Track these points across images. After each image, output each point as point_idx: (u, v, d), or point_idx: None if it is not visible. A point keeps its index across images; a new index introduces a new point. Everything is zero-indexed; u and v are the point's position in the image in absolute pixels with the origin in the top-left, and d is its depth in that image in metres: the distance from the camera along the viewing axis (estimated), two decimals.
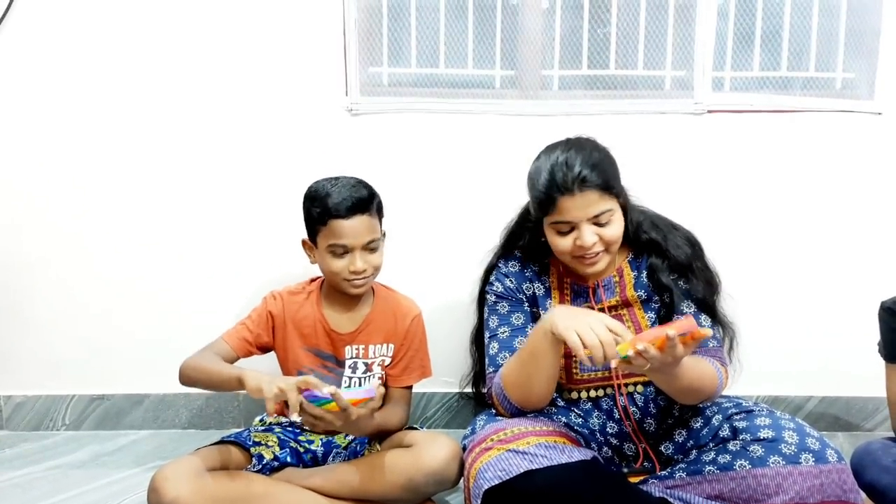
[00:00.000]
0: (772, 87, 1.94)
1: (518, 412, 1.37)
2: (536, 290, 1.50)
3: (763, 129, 1.91)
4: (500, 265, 1.53)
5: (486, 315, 1.52)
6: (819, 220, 1.93)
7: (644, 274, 1.47)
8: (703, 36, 1.89)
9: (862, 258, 1.93)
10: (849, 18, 1.92)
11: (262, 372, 1.32)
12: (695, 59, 1.90)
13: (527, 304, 1.49)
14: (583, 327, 1.17)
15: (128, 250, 1.92)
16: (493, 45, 1.93)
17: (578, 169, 1.30)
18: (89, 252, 1.92)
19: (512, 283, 1.50)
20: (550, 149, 1.38)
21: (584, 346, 1.16)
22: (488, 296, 1.52)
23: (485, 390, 1.50)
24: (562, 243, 1.35)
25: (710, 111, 1.91)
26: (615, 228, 1.35)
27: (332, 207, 1.42)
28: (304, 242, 1.53)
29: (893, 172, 1.91)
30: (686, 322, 1.14)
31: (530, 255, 1.52)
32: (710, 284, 1.48)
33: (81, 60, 1.86)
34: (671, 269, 1.45)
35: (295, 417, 1.25)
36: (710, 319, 1.45)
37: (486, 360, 1.48)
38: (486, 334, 1.50)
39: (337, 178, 1.49)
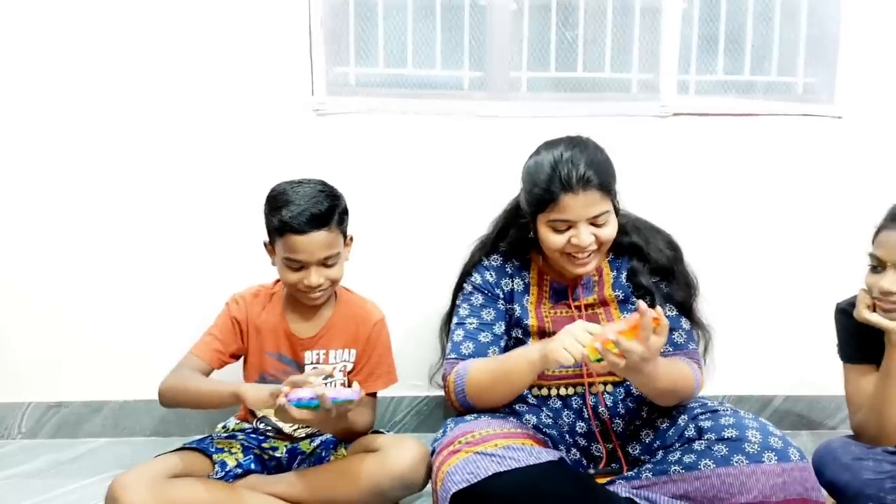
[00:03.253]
0: (735, 91, 1.98)
1: (470, 409, 1.39)
2: (515, 286, 1.50)
3: (727, 132, 1.94)
4: (482, 258, 1.53)
5: (458, 302, 1.52)
6: (781, 222, 1.96)
7: (623, 275, 1.48)
8: (669, 40, 1.91)
9: (825, 258, 1.96)
10: (809, 25, 1.97)
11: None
12: (660, 63, 1.92)
13: (501, 301, 1.49)
14: (569, 344, 1.19)
15: (85, 255, 1.87)
16: (462, 45, 1.93)
17: (583, 168, 1.30)
18: (46, 258, 1.87)
19: (492, 277, 1.50)
20: (551, 145, 1.38)
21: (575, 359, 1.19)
22: (465, 285, 1.52)
23: (442, 374, 1.50)
24: (556, 241, 1.35)
25: (675, 114, 1.93)
26: (610, 230, 1.36)
27: (289, 221, 1.37)
28: (265, 244, 1.49)
29: (854, 175, 1.95)
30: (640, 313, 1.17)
31: (512, 250, 1.52)
32: (689, 287, 1.50)
33: (34, 63, 1.80)
34: (652, 273, 1.46)
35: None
36: (689, 322, 1.47)
37: (449, 345, 1.48)
38: (454, 320, 1.50)
39: (300, 183, 1.43)
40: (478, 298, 1.49)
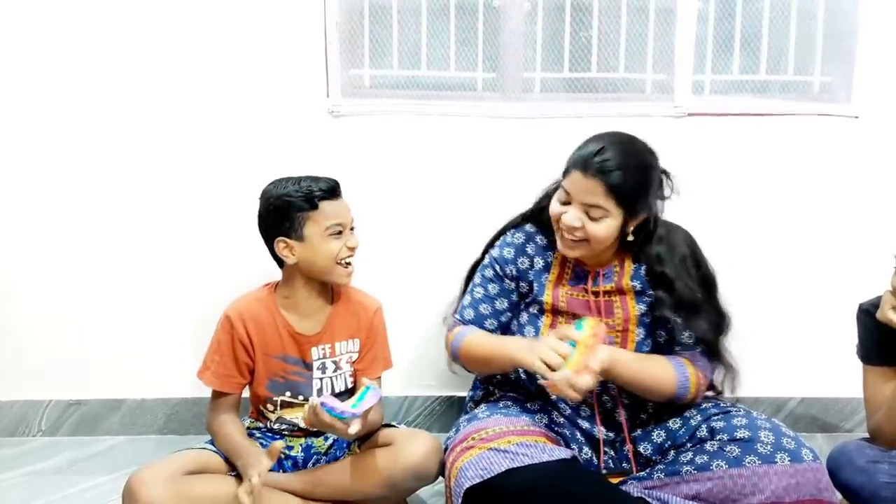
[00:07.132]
0: (751, 91, 1.96)
1: (461, 365, 1.53)
2: (535, 264, 1.50)
3: (742, 133, 1.92)
4: (507, 233, 1.55)
5: (479, 268, 1.58)
6: (798, 223, 1.95)
7: (643, 268, 1.45)
8: (684, 39, 1.90)
9: (841, 260, 1.94)
10: (826, 22, 1.94)
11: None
12: (675, 63, 1.91)
13: (509, 280, 1.51)
14: (545, 353, 1.26)
15: (102, 255, 1.90)
16: (476, 47, 1.93)
17: (607, 159, 1.31)
18: (64, 257, 1.90)
19: (509, 254, 1.52)
20: (612, 133, 1.40)
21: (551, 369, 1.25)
22: (486, 256, 1.57)
23: (450, 323, 1.59)
24: (555, 209, 1.40)
25: (690, 114, 1.92)
26: (600, 230, 1.34)
27: (320, 190, 1.43)
28: (279, 242, 1.46)
29: (871, 175, 1.93)
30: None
31: (542, 228, 1.52)
32: (715, 326, 1.42)
33: (46, 66, 1.83)
34: (675, 306, 1.40)
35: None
36: (707, 348, 1.42)
37: (459, 303, 1.58)
38: (470, 284, 1.58)
39: (290, 176, 1.48)
40: (489, 272, 1.54)
